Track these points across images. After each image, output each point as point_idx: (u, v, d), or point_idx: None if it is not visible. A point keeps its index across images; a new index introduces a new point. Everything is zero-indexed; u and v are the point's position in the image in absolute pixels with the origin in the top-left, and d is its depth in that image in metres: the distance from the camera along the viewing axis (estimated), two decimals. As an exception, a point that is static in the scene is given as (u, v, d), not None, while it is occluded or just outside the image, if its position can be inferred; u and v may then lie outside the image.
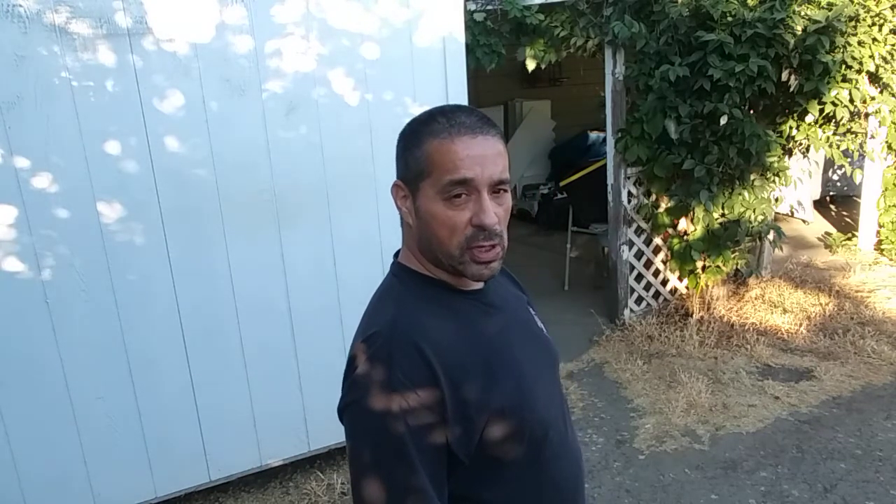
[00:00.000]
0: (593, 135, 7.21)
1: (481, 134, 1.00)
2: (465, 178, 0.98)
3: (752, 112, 4.21)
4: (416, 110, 2.90)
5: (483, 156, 0.99)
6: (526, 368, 1.09)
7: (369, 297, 1.14)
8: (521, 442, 1.04)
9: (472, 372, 1.01)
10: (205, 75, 2.56)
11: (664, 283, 4.80)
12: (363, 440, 0.98)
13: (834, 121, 4.21)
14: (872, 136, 4.94)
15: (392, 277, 1.11)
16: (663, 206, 4.47)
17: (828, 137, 4.35)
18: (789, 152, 4.53)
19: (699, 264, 4.47)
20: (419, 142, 1.02)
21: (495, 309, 1.11)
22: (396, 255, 1.14)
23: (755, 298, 4.71)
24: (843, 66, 4.05)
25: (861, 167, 5.25)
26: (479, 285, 1.10)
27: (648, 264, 4.70)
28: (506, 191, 1.03)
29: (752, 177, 4.31)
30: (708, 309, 4.57)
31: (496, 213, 1.00)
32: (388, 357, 0.97)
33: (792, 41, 3.84)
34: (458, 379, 0.98)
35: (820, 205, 6.73)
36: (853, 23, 4.10)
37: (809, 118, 4.28)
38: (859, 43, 4.09)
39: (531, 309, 1.25)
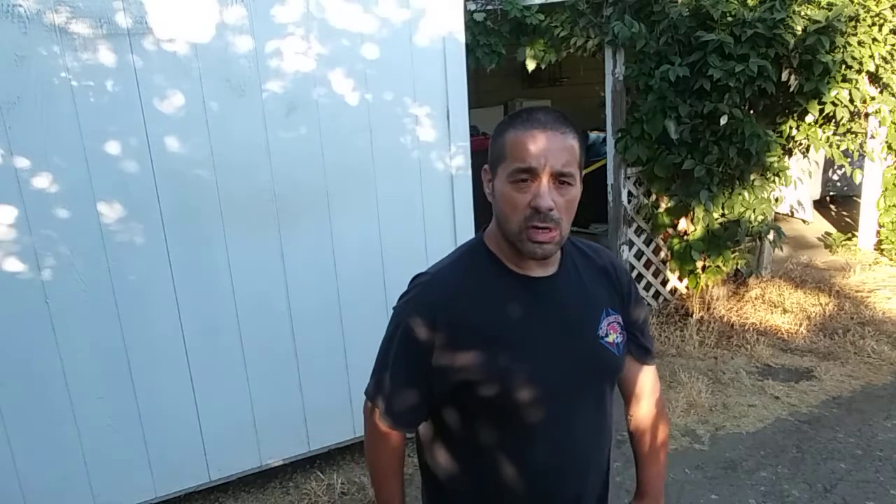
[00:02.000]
0: (593, 135, 7.19)
1: (552, 130, 1.14)
2: (529, 166, 1.14)
3: (752, 112, 4.21)
4: (416, 110, 2.93)
5: (548, 149, 1.13)
6: (534, 351, 1.22)
7: (370, 296, 1.24)
8: (502, 408, 1.22)
9: (471, 334, 1.21)
10: (205, 75, 2.56)
11: (664, 283, 4.80)
12: (387, 328, 1.29)
13: (834, 121, 4.21)
14: (872, 136, 4.94)
15: (469, 243, 1.32)
16: (663, 206, 4.47)
17: (828, 137, 4.35)
18: (789, 152, 4.53)
19: (699, 264, 4.47)
20: (503, 132, 1.19)
21: (537, 298, 1.24)
22: (485, 228, 1.31)
23: (755, 298, 4.71)
24: (843, 66, 4.05)
25: (861, 167, 5.25)
26: (542, 271, 1.25)
27: (648, 264, 4.70)
28: (570, 184, 1.16)
29: (752, 177, 4.31)
30: (708, 309, 4.57)
31: (555, 200, 1.14)
32: (414, 298, 1.26)
33: (792, 41, 3.85)
34: (453, 335, 1.20)
35: (820, 205, 6.73)
36: (853, 23, 4.10)
37: (809, 118, 4.28)
38: (859, 43, 4.09)
39: (611, 314, 1.30)
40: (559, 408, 1.24)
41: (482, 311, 1.22)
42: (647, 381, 1.42)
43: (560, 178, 1.14)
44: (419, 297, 1.25)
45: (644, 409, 1.43)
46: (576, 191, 1.17)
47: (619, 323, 1.31)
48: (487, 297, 1.23)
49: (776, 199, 4.58)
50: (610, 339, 1.29)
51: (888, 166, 5.32)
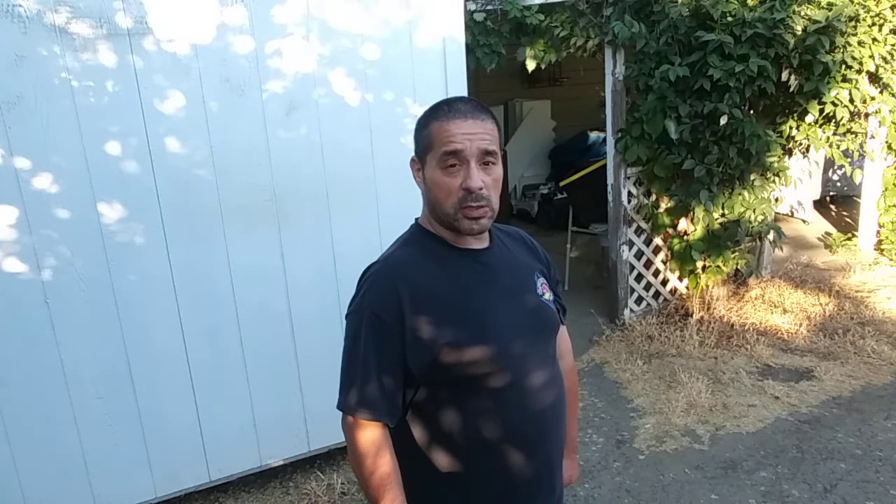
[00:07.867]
0: (593, 135, 7.21)
1: (472, 117, 1.26)
2: (456, 149, 1.24)
3: (752, 112, 4.21)
4: (417, 110, 2.92)
5: (472, 133, 1.24)
6: (495, 315, 1.31)
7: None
8: (476, 373, 1.27)
9: (437, 305, 1.27)
10: (205, 75, 2.56)
11: (664, 283, 4.80)
12: (345, 338, 1.35)
13: (834, 121, 4.21)
14: (872, 136, 4.94)
15: (407, 232, 1.42)
16: (663, 206, 4.47)
17: (828, 137, 4.35)
18: (789, 152, 4.53)
19: (699, 264, 4.47)
20: (427, 124, 1.30)
21: (484, 266, 1.35)
22: (417, 220, 1.41)
23: (755, 298, 4.71)
24: (843, 66, 4.05)
25: (861, 167, 5.25)
26: (479, 245, 1.36)
27: (648, 264, 4.70)
28: (494, 162, 1.28)
29: (752, 177, 4.31)
30: (708, 309, 4.57)
31: (483, 179, 1.25)
32: (370, 286, 1.31)
33: (792, 41, 3.85)
34: (421, 309, 1.26)
35: (820, 205, 6.73)
36: (853, 23, 4.10)
37: (809, 118, 4.28)
38: (859, 43, 4.09)
39: (540, 277, 1.44)
40: (527, 367, 1.32)
41: (441, 283, 1.30)
42: (566, 338, 1.59)
43: (485, 159, 1.25)
44: (376, 284, 1.30)
45: (566, 365, 1.56)
46: (499, 169, 1.29)
47: (547, 283, 1.45)
48: (442, 270, 1.32)
49: (776, 199, 4.58)
50: (546, 297, 1.42)
51: (888, 166, 5.33)
